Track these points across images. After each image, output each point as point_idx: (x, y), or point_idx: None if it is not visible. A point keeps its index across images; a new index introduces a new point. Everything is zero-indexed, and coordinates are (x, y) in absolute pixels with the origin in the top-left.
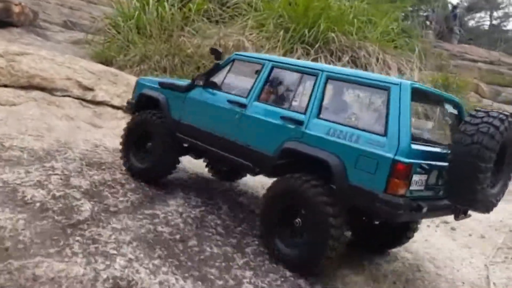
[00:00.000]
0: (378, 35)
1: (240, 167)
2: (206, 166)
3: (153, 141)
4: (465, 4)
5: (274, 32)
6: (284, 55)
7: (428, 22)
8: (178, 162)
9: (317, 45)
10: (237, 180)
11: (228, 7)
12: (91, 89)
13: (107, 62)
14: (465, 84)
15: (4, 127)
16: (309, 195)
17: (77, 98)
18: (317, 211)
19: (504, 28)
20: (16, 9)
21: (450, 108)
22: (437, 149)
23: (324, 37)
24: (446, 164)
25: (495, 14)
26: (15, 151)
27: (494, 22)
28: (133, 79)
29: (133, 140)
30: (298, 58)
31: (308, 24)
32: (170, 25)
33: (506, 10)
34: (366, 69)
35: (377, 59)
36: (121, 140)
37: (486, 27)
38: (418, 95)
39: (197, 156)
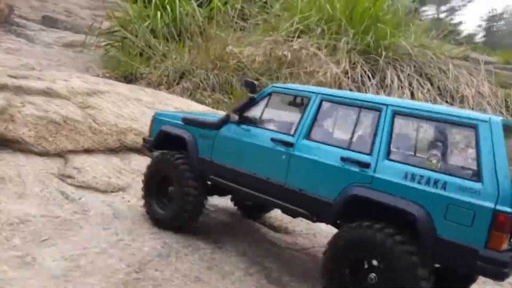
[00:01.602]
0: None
1: (292, 214)
2: (232, 200)
3: (175, 186)
4: None
5: (330, 39)
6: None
7: None
8: (204, 205)
9: (383, 56)
10: (261, 216)
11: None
12: None
13: (130, 76)
14: None
15: None
16: (394, 248)
17: None
18: (402, 263)
19: (451, 22)
20: None
21: None
22: None
23: (384, 44)
24: None
25: (442, 8)
26: None
27: (441, 15)
28: None
29: (154, 183)
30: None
31: (361, 29)
32: (203, 28)
33: (453, 4)
34: (432, 83)
35: (439, 69)
36: (142, 183)
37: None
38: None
39: (222, 195)
